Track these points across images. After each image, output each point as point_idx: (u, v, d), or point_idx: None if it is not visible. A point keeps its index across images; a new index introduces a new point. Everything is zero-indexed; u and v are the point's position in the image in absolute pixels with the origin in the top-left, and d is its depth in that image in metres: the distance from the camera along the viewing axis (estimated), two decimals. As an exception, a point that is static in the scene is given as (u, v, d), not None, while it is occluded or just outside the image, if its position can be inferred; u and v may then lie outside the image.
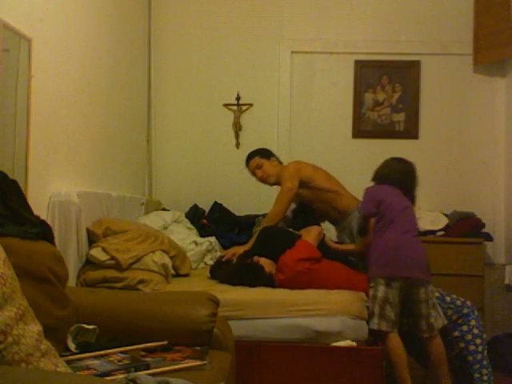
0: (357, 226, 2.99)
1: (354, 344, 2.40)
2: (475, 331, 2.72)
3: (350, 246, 2.99)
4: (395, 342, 2.51)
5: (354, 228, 3.09)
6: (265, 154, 3.36)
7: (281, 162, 3.40)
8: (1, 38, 2.02)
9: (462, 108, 4.21)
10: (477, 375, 2.67)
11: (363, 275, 2.72)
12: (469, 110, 4.20)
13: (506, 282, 3.85)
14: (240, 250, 2.98)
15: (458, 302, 2.78)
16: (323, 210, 3.26)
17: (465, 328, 2.73)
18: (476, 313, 2.78)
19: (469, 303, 2.79)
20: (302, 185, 3.18)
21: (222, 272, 2.85)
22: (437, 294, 2.73)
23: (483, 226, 3.83)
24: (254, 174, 3.36)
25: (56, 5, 2.54)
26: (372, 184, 2.85)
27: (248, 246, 3.00)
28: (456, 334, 2.74)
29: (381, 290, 2.55)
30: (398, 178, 2.76)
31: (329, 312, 2.44)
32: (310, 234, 2.87)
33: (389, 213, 2.65)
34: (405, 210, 2.70)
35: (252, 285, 2.66)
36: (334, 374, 2.37)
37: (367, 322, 2.50)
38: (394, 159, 2.86)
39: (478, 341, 2.70)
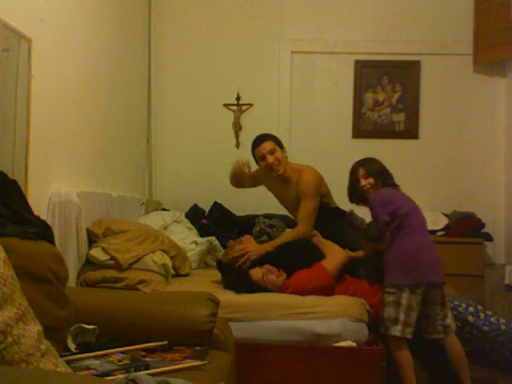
0: (369, 233, 2.84)
1: (354, 344, 2.40)
2: (491, 334, 2.67)
3: (359, 254, 2.85)
4: (407, 351, 2.48)
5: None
6: (279, 142, 3.08)
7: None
8: (1, 38, 2.02)
9: (462, 108, 4.21)
10: None
11: (371, 287, 2.68)
12: (469, 110, 4.20)
13: (506, 281, 3.85)
14: (256, 250, 2.86)
15: (461, 309, 2.73)
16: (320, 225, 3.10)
17: (481, 336, 2.68)
18: (482, 315, 2.72)
19: (471, 309, 2.73)
20: None
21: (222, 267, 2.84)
22: (471, 309, 2.70)
23: (483, 226, 3.83)
24: (262, 158, 3.01)
25: (56, 5, 2.54)
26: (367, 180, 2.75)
27: (266, 249, 2.88)
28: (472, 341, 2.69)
29: (405, 297, 2.48)
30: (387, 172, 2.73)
31: (329, 315, 2.43)
32: (333, 259, 2.73)
33: (404, 218, 2.57)
34: (414, 210, 2.64)
35: (235, 290, 2.62)
36: (334, 374, 2.37)
37: (367, 326, 2.48)
38: (365, 160, 2.81)
39: (500, 338, 2.66)
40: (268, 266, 2.68)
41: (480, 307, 2.78)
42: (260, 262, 2.75)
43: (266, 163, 2.99)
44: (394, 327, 2.47)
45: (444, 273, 2.60)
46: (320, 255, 2.75)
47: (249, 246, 2.89)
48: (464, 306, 2.74)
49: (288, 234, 3.02)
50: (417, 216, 2.64)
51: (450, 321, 2.55)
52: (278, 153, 2.99)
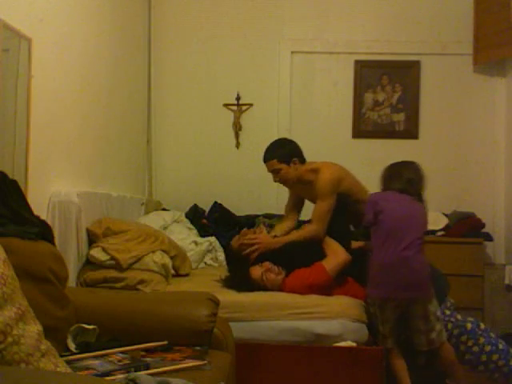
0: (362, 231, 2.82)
1: (354, 344, 2.40)
2: (487, 348, 2.59)
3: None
4: (399, 359, 2.48)
5: None
6: (284, 157, 2.93)
7: (304, 160, 3.01)
8: (1, 38, 2.02)
9: (462, 108, 4.21)
10: None
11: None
12: (469, 110, 4.20)
13: (506, 281, 3.85)
14: (266, 243, 2.83)
15: (459, 317, 2.69)
16: (351, 218, 3.02)
17: (476, 349, 2.60)
18: (482, 326, 2.67)
19: (471, 318, 2.69)
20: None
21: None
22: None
23: (483, 226, 3.83)
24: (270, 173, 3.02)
25: (56, 5, 2.54)
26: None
27: (276, 244, 2.84)
28: (468, 356, 2.61)
29: (378, 310, 2.49)
30: (405, 182, 2.59)
31: (329, 315, 2.43)
32: (334, 259, 2.69)
33: (386, 224, 2.49)
34: (407, 220, 2.52)
35: (234, 286, 2.64)
36: (334, 374, 2.37)
37: (367, 326, 2.48)
38: (399, 164, 2.69)
39: (495, 356, 2.58)
40: (267, 264, 2.68)
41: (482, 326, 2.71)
42: (261, 257, 2.75)
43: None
44: (378, 337, 2.49)
45: (427, 288, 2.49)
46: (321, 255, 2.74)
47: (261, 237, 2.88)
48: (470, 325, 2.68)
49: (299, 233, 2.94)
50: (408, 227, 2.50)
51: (434, 335, 2.48)
52: (284, 171, 2.93)
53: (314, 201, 3.00)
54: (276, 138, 4.12)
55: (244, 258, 2.79)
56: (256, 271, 2.66)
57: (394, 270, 2.45)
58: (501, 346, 2.61)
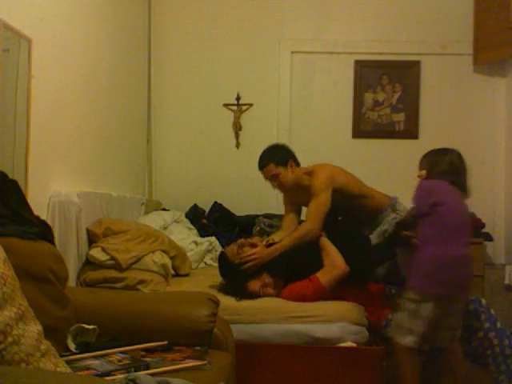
0: (405, 218, 2.68)
1: (354, 344, 2.40)
2: (485, 325, 2.56)
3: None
4: (416, 360, 2.38)
5: (386, 225, 2.87)
6: (281, 160, 2.89)
7: (299, 163, 2.99)
8: (1, 38, 2.02)
9: (462, 108, 4.21)
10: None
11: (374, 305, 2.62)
12: (469, 110, 4.20)
13: (506, 281, 3.85)
14: (263, 256, 2.71)
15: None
16: (353, 214, 3.00)
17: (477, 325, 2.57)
18: (483, 301, 2.62)
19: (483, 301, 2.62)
20: (332, 192, 2.84)
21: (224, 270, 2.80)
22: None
23: (483, 226, 3.82)
24: (268, 180, 2.98)
25: (56, 5, 2.54)
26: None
27: (273, 254, 2.74)
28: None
29: (426, 309, 2.31)
30: (449, 170, 2.45)
31: (328, 318, 2.42)
32: (330, 271, 2.61)
33: (449, 219, 2.35)
34: (466, 216, 2.43)
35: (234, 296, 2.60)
36: (334, 374, 2.37)
37: (367, 329, 2.46)
38: (448, 152, 2.53)
39: (492, 334, 2.55)
40: (265, 278, 2.63)
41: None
42: (259, 269, 2.68)
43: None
44: (408, 337, 2.34)
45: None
46: (318, 265, 2.65)
47: (258, 251, 2.76)
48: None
49: (293, 235, 2.83)
50: (466, 225, 2.42)
51: (459, 332, 2.44)
52: (282, 175, 2.88)
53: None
54: (276, 137, 4.17)
55: (240, 270, 2.70)
56: (254, 285, 2.62)
57: (458, 267, 2.34)
58: (498, 325, 2.59)
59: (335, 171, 2.92)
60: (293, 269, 2.67)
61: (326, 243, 2.74)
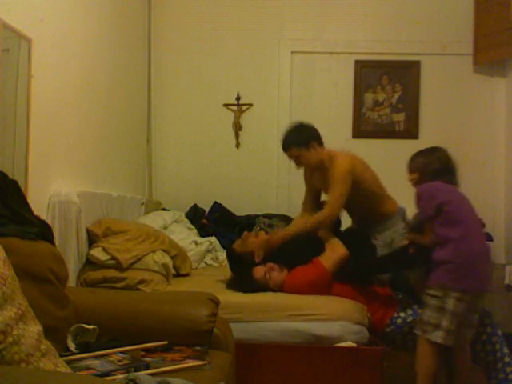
0: (413, 223, 2.67)
1: (354, 344, 2.40)
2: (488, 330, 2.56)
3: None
4: (436, 359, 2.35)
5: (394, 234, 2.87)
6: (303, 142, 2.86)
7: (322, 143, 2.94)
8: (1, 38, 2.02)
9: (462, 108, 4.21)
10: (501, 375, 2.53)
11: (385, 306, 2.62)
12: (469, 110, 4.20)
13: (506, 281, 3.84)
14: (273, 239, 2.81)
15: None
16: (361, 212, 3.00)
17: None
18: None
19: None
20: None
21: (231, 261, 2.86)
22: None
23: (483, 226, 3.82)
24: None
25: (56, 5, 2.54)
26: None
27: (276, 242, 2.81)
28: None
29: (451, 304, 2.31)
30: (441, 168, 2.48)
31: (329, 317, 2.42)
32: (331, 255, 2.67)
33: (461, 215, 2.38)
34: (473, 210, 2.43)
35: (237, 287, 2.64)
36: (334, 374, 2.37)
37: (368, 330, 2.46)
38: (425, 151, 2.57)
39: (495, 338, 2.56)
40: (270, 264, 2.70)
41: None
42: (264, 260, 2.75)
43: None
44: (435, 333, 2.32)
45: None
46: (319, 250, 2.72)
47: (269, 237, 2.85)
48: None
49: (307, 221, 2.87)
50: (476, 219, 2.43)
51: (474, 331, 2.45)
52: (304, 156, 2.86)
53: (327, 191, 2.92)
54: (276, 137, 4.16)
55: (247, 260, 2.78)
56: (259, 271, 2.68)
57: (482, 262, 2.36)
58: (500, 333, 2.60)
59: (357, 162, 2.88)
60: (294, 255, 2.71)
61: (325, 233, 2.81)
